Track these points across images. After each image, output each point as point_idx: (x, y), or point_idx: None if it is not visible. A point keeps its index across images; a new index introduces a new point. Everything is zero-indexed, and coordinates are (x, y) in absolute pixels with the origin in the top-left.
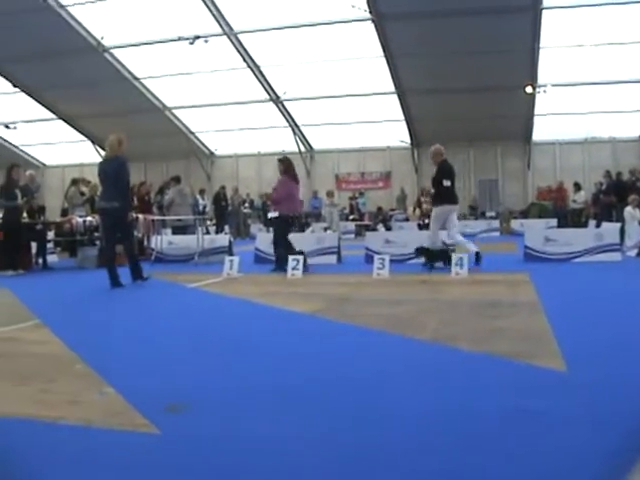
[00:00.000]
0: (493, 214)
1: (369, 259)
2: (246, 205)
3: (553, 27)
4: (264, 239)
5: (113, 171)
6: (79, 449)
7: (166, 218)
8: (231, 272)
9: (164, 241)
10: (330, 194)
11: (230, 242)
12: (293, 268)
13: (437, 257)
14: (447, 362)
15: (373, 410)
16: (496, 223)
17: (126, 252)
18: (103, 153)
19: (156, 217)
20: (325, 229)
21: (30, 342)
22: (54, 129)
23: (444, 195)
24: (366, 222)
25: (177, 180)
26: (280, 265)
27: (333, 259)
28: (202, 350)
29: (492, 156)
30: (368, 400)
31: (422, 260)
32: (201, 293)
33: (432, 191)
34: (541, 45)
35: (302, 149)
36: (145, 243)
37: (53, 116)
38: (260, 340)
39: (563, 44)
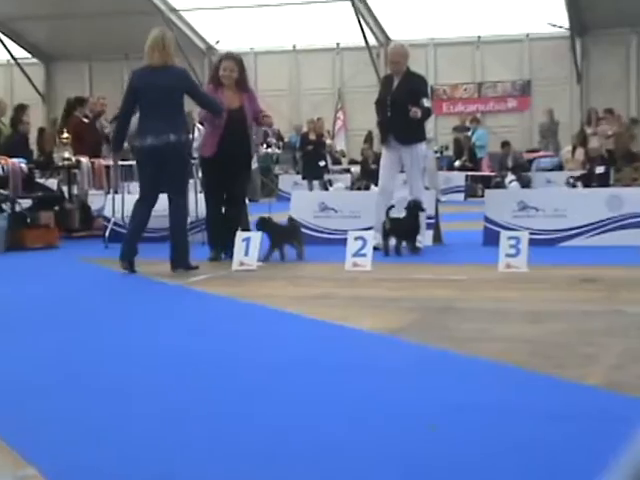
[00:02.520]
0: None
1: (491, 238)
2: (270, 141)
3: None
4: (305, 201)
5: (169, 88)
6: None
7: (129, 164)
8: (246, 260)
9: (127, 204)
10: None
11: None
12: (356, 254)
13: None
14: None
15: None
16: None
17: (176, 221)
18: (147, 60)
19: (113, 162)
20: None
21: None
22: None
23: (423, 125)
24: (485, 172)
25: None
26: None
27: (426, 237)
28: (190, 405)
29: None
30: None
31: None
32: (194, 296)
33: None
34: None
35: (371, 41)
36: (92, 208)
37: None
38: (296, 389)
39: None
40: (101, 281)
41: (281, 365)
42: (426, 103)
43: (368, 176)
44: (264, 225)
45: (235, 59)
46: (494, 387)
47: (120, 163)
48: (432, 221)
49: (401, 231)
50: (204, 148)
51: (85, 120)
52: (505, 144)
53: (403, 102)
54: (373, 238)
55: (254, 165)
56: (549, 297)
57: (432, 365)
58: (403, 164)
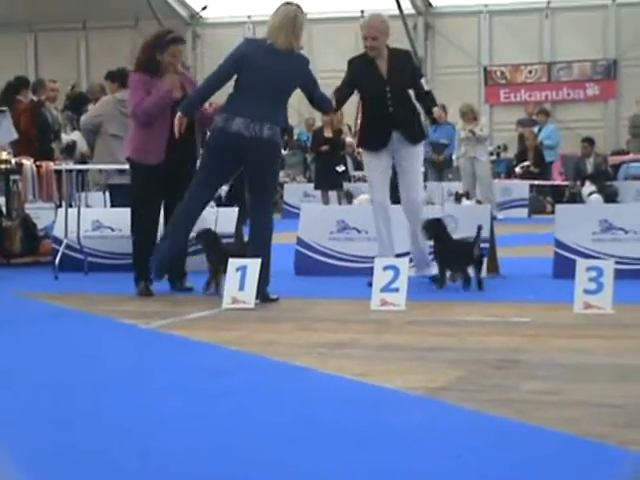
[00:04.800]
0: None
1: (564, 268)
2: None
3: None
4: (318, 218)
5: (284, 75)
6: None
7: (89, 167)
8: (240, 296)
9: (84, 221)
10: (469, 114)
11: (239, 224)
12: (385, 288)
13: None
14: None
15: None
16: None
17: (261, 240)
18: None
19: (65, 166)
20: (459, 196)
21: None
22: None
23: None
24: (555, 181)
25: (117, 78)
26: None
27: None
28: None
29: None
30: None
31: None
32: (170, 344)
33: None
34: None
35: (407, 8)
36: (38, 226)
37: None
38: (306, 467)
39: None
40: (50, 326)
41: (284, 437)
42: (426, 85)
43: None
44: (203, 241)
45: (184, 42)
46: (570, 469)
47: (75, 167)
48: (485, 245)
49: (462, 258)
50: (146, 154)
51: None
52: (587, 142)
53: (404, 90)
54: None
55: None
56: None
57: (483, 438)
58: (402, 168)
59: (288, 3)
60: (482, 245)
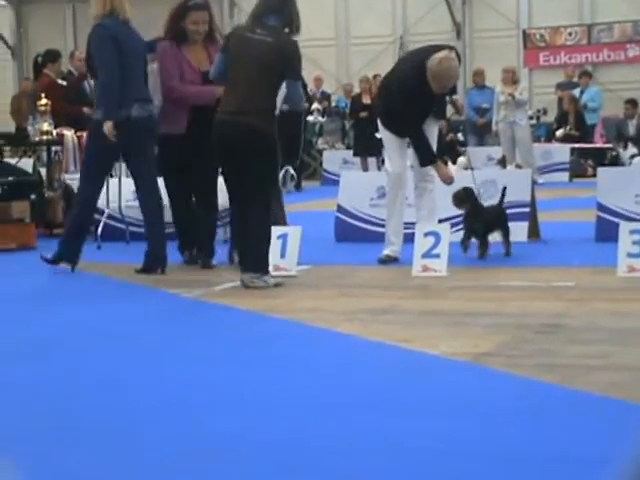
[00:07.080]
0: None
1: (606, 231)
2: (315, 108)
3: None
4: (357, 185)
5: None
6: None
7: None
8: (283, 264)
9: (126, 191)
10: (510, 78)
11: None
12: (427, 254)
13: None
14: None
15: None
16: None
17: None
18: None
19: None
20: (500, 161)
21: None
22: None
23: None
24: (597, 144)
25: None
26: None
27: (520, 233)
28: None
29: None
30: None
31: None
32: (213, 313)
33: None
34: None
35: None
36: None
37: None
38: (352, 437)
39: None
40: (92, 296)
41: (329, 404)
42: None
43: (441, 151)
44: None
45: (208, 8)
46: (616, 434)
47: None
48: (526, 210)
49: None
50: (170, 125)
51: (61, 81)
52: (629, 103)
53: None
54: (390, 245)
55: None
56: None
57: (529, 404)
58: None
59: None
60: (521, 210)
